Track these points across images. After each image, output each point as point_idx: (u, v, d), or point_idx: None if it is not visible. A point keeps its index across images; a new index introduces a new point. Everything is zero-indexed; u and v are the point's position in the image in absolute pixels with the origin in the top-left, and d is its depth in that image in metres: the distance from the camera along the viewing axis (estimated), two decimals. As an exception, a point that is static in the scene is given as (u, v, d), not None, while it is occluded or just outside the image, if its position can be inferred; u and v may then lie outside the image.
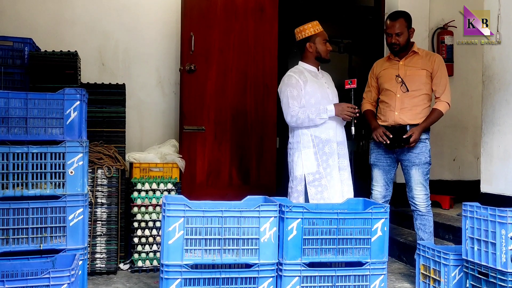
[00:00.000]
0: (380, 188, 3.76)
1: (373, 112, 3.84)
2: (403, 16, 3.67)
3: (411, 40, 3.73)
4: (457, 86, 5.41)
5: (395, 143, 3.59)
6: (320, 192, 3.43)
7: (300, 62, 3.62)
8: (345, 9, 6.86)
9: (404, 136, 3.56)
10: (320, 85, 3.55)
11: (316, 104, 3.46)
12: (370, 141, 3.85)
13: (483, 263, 2.76)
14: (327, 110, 3.42)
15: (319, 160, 3.45)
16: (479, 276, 2.80)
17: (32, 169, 2.76)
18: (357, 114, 3.46)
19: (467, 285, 2.91)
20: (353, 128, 3.48)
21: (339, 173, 3.51)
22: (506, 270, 2.63)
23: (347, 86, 3.48)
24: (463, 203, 2.94)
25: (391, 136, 3.58)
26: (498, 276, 2.66)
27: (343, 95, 3.75)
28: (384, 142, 3.61)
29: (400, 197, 4.74)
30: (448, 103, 3.65)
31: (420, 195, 3.62)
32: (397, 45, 3.64)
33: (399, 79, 3.66)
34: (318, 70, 3.63)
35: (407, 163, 3.63)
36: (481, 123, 4.19)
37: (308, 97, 3.46)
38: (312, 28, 3.53)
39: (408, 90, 3.63)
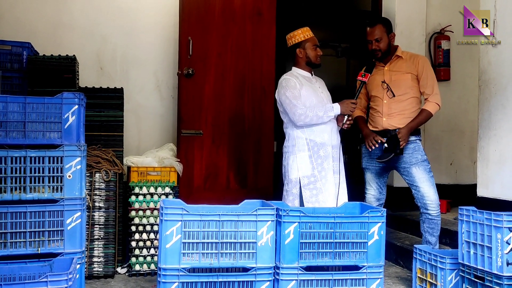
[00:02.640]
0: (373, 192, 3.78)
1: (364, 119, 3.86)
2: (381, 22, 3.69)
3: (395, 44, 3.74)
4: (454, 90, 5.44)
5: (388, 152, 3.58)
6: (315, 195, 3.45)
7: (293, 68, 3.66)
8: (342, 13, 6.89)
9: (392, 134, 3.57)
10: (314, 89, 3.59)
11: (311, 107, 3.49)
12: (362, 145, 3.86)
13: (479, 267, 2.78)
14: (333, 108, 3.48)
15: (314, 163, 3.47)
16: (475, 280, 2.81)
17: (30, 173, 2.76)
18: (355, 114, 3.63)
19: (463, 289, 2.92)
20: (346, 116, 3.52)
21: (333, 176, 3.53)
22: (502, 274, 2.64)
23: (359, 78, 3.58)
24: (459, 207, 2.95)
25: (384, 140, 3.58)
26: (494, 280, 2.67)
27: (353, 85, 3.86)
28: (374, 148, 3.60)
29: (397, 201, 4.77)
30: (438, 104, 3.64)
31: (430, 193, 3.56)
32: (378, 51, 3.65)
33: (385, 84, 3.68)
34: (312, 75, 3.67)
35: (404, 164, 3.63)
36: (477, 128, 4.21)
37: (304, 100, 3.49)
38: (302, 34, 3.57)
39: (394, 96, 3.64)
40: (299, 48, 3.58)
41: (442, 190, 5.28)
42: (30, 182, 2.76)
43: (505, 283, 2.63)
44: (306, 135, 3.50)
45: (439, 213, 3.63)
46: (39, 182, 2.78)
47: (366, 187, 3.83)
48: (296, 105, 3.44)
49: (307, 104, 3.49)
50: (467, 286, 2.89)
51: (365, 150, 3.81)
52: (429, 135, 5.33)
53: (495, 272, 2.67)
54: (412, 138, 3.65)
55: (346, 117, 3.53)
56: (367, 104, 3.89)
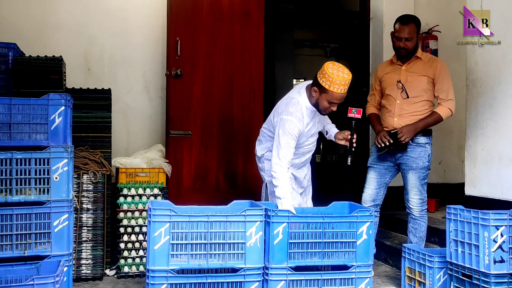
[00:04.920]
0: (370, 191, 3.75)
1: (377, 116, 3.81)
2: (414, 21, 3.60)
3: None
4: (441, 90, 5.46)
5: (390, 146, 3.55)
6: (281, 204, 3.36)
7: (304, 95, 3.25)
8: (331, 13, 6.91)
9: (392, 132, 3.53)
10: (311, 127, 3.34)
11: (301, 144, 3.31)
12: (372, 145, 3.82)
13: (466, 265, 2.80)
14: (282, 204, 3.03)
15: None
16: (463, 278, 2.83)
17: (16, 175, 2.74)
18: (353, 148, 3.27)
19: (451, 287, 2.94)
20: (349, 158, 3.29)
21: (302, 192, 3.51)
22: (489, 272, 2.66)
23: (350, 115, 3.25)
24: (447, 206, 2.97)
25: (391, 141, 3.53)
26: (481, 278, 2.69)
27: (345, 122, 3.44)
28: (382, 145, 3.56)
29: (387, 200, 4.76)
30: (451, 110, 3.59)
31: (414, 199, 3.61)
32: (405, 49, 3.57)
33: (400, 84, 3.63)
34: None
35: (405, 166, 3.62)
36: (465, 127, 4.24)
37: (301, 140, 3.31)
38: (331, 83, 3.06)
39: (408, 97, 3.60)
40: (317, 88, 3.15)
41: (431, 189, 5.30)
42: (16, 184, 2.74)
43: (492, 281, 2.65)
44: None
45: (424, 215, 3.65)
46: (25, 184, 2.76)
47: (365, 186, 3.79)
48: (280, 157, 3.14)
49: (300, 141, 3.29)
50: (455, 285, 2.91)
51: (374, 149, 3.77)
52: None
53: (483, 270, 2.69)
54: (422, 141, 3.61)
55: (351, 149, 3.29)
56: (381, 101, 3.82)
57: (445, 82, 3.60)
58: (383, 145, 3.56)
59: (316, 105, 3.23)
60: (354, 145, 3.28)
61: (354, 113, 3.26)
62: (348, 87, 3.14)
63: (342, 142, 3.41)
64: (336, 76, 3.06)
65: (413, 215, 3.64)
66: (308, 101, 3.25)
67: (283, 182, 3.11)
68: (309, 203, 3.58)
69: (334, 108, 3.19)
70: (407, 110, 3.62)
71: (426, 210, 3.66)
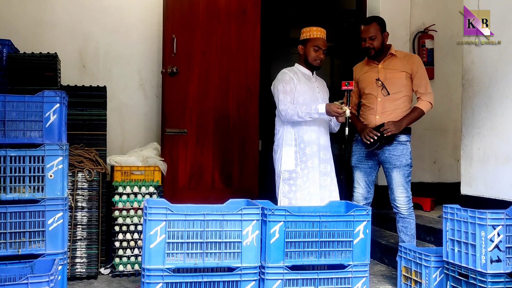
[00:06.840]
0: (361, 190, 3.78)
1: (355, 115, 3.84)
2: (376, 20, 3.71)
3: (387, 43, 3.75)
4: (437, 89, 5.46)
5: (376, 142, 3.59)
6: (293, 192, 3.47)
7: (295, 64, 3.70)
8: (327, 12, 6.89)
9: (380, 130, 3.55)
10: (311, 87, 3.59)
11: (304, 104, 3.48)
12: (352, 143, 3.87)
13: (463, 265, 2.79)
14: (318, 110, 3.42)
15: (298, 160, 3.50)
16: (459, 277, 2.83)
17: (10, 172, 2.71)
18: (350, 114, 3.42)
19: (448, 287, 2.94)
20: (346, 129, 3.45)
21: (320, 178, 3.53)
22: (486, 271, 2.66)
23: (344, 87, 3.48)
24: (444, 205, 2.97)
25: (379, 134, 3.56)
26: (478, 277, 2.69)
27: (339, 96, 3.76)
28: (372, 141, 3.58)
29: (382, 199, 4.79)
30: (431, 103, 3.67)
31: (401, 197, 3.64)
32: (372, 49, 3.66)
33: (379, 82, 3.68)
34: (313, 74, 3.68)
35: (388, 165, 3.65)
36: (461, 126, 4.24)
37: (297, 95, 3.51)
38: (309, 32, 3.59)
39: (388, 94, 3.65)
40: (302, 45, 3.61)
41: (426, 188, 5.35)
42: (11, 182, 2.71)
43: (489, 280, 2.65)
44: (295, 130, 3.53)
45: (412, 213, 3.67)
46: (19, 182, 2.73)
47: (354, 186, 3.82)
48: (281, 99, 3.48)
49: (300, 100, 3.50)
50: (452, 284, 2.90)
51: (356, 149, 3.80)
52: (413, 133, 5.33)
53: (479, 269, 2.68)
54: (403, 139, 3.65)
55: (346, 122, 3.44)
56: (358, 102, 3.87)
57: (423, 76, 3.69)
58: (371, 140, 3.58)
59: (306, 61, 3.60)
60: (350, 114, 3.43)
61: (347, 86, 3.46)
62: (325, 35, 3.63)
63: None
64: (311, 27, 3.59)
65: (402, 214, 3.65)
66: (300, 66, 3.64)
67: (292, 110, 3.43)
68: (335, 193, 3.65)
69: (322, 56, 3.59)
70: (389, 107, 3.67)
71: (412, 208, 3.69)
